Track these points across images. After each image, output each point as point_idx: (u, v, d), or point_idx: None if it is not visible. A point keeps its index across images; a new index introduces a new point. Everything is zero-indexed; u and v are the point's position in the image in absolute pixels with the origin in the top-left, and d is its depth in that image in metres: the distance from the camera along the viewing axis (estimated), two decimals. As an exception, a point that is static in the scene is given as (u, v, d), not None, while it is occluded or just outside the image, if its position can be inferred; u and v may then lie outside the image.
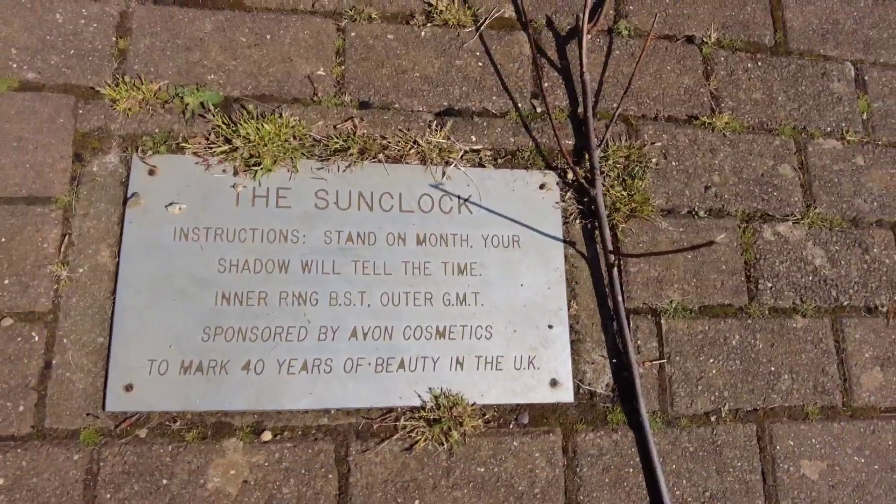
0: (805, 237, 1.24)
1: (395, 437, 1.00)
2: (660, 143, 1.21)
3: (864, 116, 1.36)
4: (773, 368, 1.15)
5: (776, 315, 1.18)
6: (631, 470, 1.05)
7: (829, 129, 1.33)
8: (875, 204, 1.31)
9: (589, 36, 1.22)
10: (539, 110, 1.17)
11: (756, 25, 1.35)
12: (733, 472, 1.09)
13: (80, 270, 0.99)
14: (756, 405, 1.13)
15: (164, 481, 0.93)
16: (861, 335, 1.22)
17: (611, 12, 1.28)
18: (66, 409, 0.94)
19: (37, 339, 0.96)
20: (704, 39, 1.31)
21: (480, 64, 1.19)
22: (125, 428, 0.95)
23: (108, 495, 0.92)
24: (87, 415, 0.95)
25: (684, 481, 1.07)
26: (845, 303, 1.23)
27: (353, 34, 1.16)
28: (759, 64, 1.33)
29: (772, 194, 1.25)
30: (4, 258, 0.97)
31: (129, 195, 1.02)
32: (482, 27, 1.20)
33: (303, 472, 0.96)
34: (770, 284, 1.19)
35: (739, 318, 1.16)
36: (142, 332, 0.97)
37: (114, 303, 0.98)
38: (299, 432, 0.98)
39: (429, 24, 1.19)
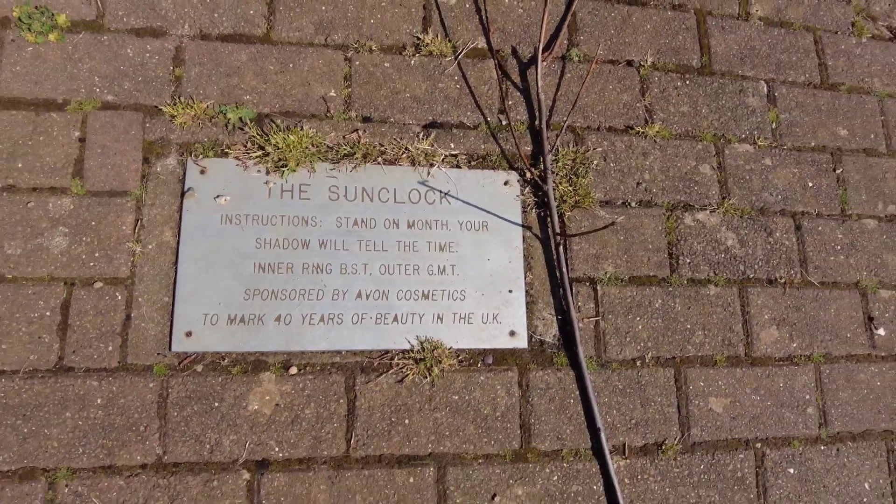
0: (720, 223, 1.56)
1: (390, 372, 1.31)
2: (600, 149, 1.52)
3: (773, 125, 1.67)
4: (688, 326, 1.47)
5: (693, 284, 1.50)
6: (571, 401, 1.37)
7: (743, 135, 1.64)
8: (779, 197, 1.62)
9: (545, 62, 1.53)
10: (504, 123, 1.49)
11: (685, 51, 1.66)
12: (654, 405, 1.41)
13: (150, 247, 1.31)
14: (674, 354, 1.44)
15: (216, 403, 1.25)
16: (762, 301, 1.53)
17: (564, 42, 1.59)
18: (142, 350, 1.26)
19: (119, 298, 1.27)
20: (642, 63, 1.62)
21: (458, 86, 1.50)
22: (186, 364, 1.26)
23: (175, 413, 1.24)
24: (158, 354, 1.26)
25: (614, 411, 1.39)
26: (751, 275, 1.54)
27: (357, 63, 1.47)
28: (687, 83, 1.64)
29: (693, 189, 1.56)
30: (95, 237, 1.28)
31: (185, 189, 1.34)
32: (459, 56, 1.51)
33: (320, 397, 1.28)
34: (689, 260, 1.51)
35: (662, 286, 1.48)
36: (197, 293, 1.28)
37: (176, 271, 1.30)
38: (318, 368, 1.30)
39: (417, 55, 1.50)
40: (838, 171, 1.67)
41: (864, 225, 1.65)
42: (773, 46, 1.72)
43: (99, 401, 1.21)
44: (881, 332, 1.59)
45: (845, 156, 1.69)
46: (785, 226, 1.59)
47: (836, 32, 1.79)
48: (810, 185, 1.64)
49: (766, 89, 1.68)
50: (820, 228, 1.62)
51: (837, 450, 1.48)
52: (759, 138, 1.63)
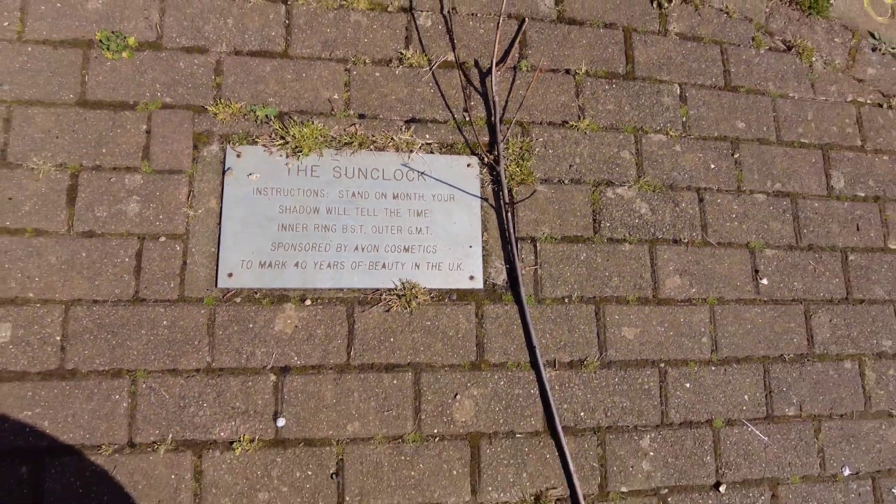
0: (635, 196, 2.01)
1: (379, 305, 1.77)
2: (542, 139, 1.97)
3: (684, 119, 2.12)
4: (607, 274, 1.92)
5: (611, 242, 1.95)
6: (515, 327, 1.82)
7: (658, 127, 2.09)
8: (686, 176, 2.07)
9: (499, 72, 1.98)
10: (467, 119, 1.94)
11: (613, 60, 2.11)
12: (578, 332, 1.86)
13: (200, 211, 1.76)
14: (595, 294, 1.90)
15: (251, 325, 1.71)
16: (668, 256, 1.98)
17: (515, 55, 2.04)
18: (195, 287, 1.71)
19: (178, 248, 1.73)
20: (577, 71, 2.07)
21: (432, 90, 1.95)
22: (228, 297, 1.72)
23: (220, 332, 1.69)
24: (207, 289, 1.72)
25: (547, 336, 1.84)
26: (659, 236, 1.99)
27: (354, 73, 1.92)
28: (614, 86, 2.09)
29: (614, 169, 2.01)
30: (159, 204, 1.74)
31: (225, 169, 1.79)
32: (433, 67, 1.96)
33: (328, 321, 1.73)
34: (608, 224, 1.96)
35: (587, 243, 1.93)
36: (236, 245, 1.74)
37: (219, 229, 1.75)
38: (326, 300, 1.75)
39: (400, 66, 1.95)
40: (736, 156, 2.12)
41: (755, 199, 2.10)
42: (687, 56, 2.16)
43: (164, 322, 1.67)
44: (765, 281, 2.04)
45: (742, 144, 2.14)
46: (690, 198, 2.04)
47: (739, 45, 2.23)
48: (712, 166, 2.09)
49: (679, 91, 2.13)
50: (719, 201, 2.06)
51: (724, 370, 1.94)
52: (671, 130, 2.08)
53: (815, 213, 2.13)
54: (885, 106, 2.29)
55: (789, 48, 2.25)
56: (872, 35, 2.35)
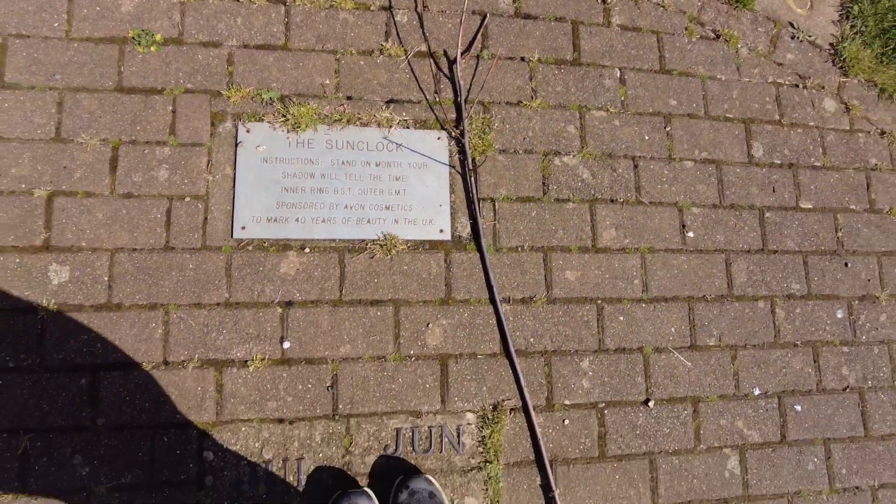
0: (579, 163, 2.40)
1: (365, 252, 2.17)
2: (500, 116, 2.36)
3: (622, 98, 2.51)
4: (553, 227, 2.32)
5: (558, 202, 2.35)
6: (476, 270, 2.22)
7: (600, 105, 2.47)
8: (623, 146, 2.46)
9: (464, 60, 2.36)
10: (437, 100, 2.33)
11: (562, 49, 2.49)
12: (529, 274, 2.26)
13: (217, 176, 2.16)
14: (543, 244, 2.30)
15: (261, 268, 2.11)
16: (605, 213, 2.38)
17: (479, 45, 2.42)
18: (215, 237, 2.11)
19: (200, 207, 2.12)
20: (530, 58, 2.45)
21: (407, 76, 2.34)
22: (242, 246, 2.12)
23: (236, 273, 2.09)
24: (224, 240, 2.12)
25: (503, 278, 2.24)
26: (599, 197, 2.39)
27: (343, 62, 2.31)
28: (562, 71, 2.48)
29: (561, 141, 2.40)
30: (184, 171, 2.13)
31: (238, 142, 2.18)
32: (409, 57, 2.35)
33: (324, 265, 2.14)
34: (555, 187, 2.36)
35: (537, 202, 2.33)
36: (248, 204, 2.13)
37: (234, 191, 2.14)
38: (322, 249, 2.15)
39: (381, 56, 2.34)
40: (668, 129, 2.51)
41: (683, 165, 2.49)
42: (627, 45, 2.55)
43: (191, 266, 2.07)
44: (690, 234, 2.44)
45: (674, 118, 2.53)
46: (626, 165, 2.43)
47: (674, 34, 2.61)
48: (647, 138, 2.48)
49: (619, 74, 2.51)
50: (652, 167, 2.46)
51: (654, 307, 2.34)
52: (611, 107, 2.46)
53: (737, 177, 2.52)
54: (800, 86, 2.68)
55: (718, 36, 2.63)
56: (792, 25, 2.73)
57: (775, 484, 2.29)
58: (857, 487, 2.36)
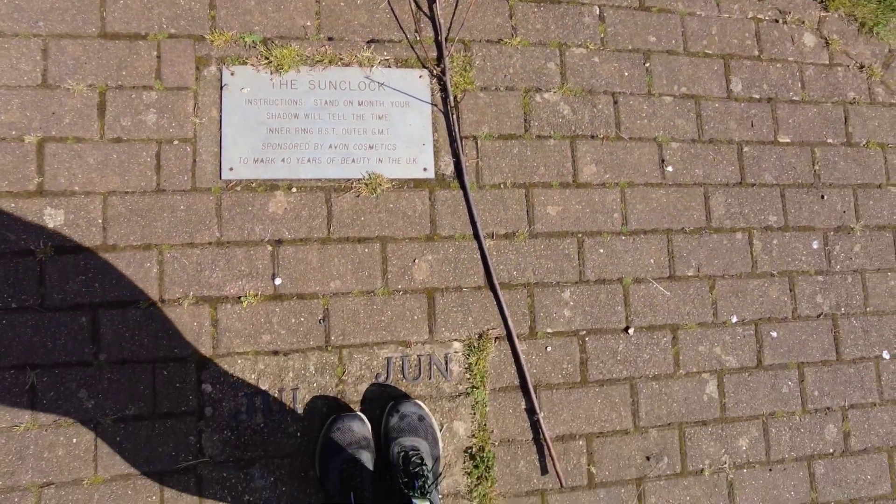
0: (559, 100, 2.45)
1: (351, 191, 2.23)
2: (481, 54, 2.40)
3: (602, 35, 2.53)
4: (535, 164, 2.38)
5: (539, 139, 2.40)
6: (461, 207, 2.29)
7: (579, 42, 2.50)
8: (603, 82, 2.50)
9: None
10: (418, 39, 2.36)
11: (543, -12, 2.51)
12: (511, 210, 2.33)
13: (204, 119, 2.20)
14: (525, 181, 2.36)
15: (250, 208, 2.17)
16: (586, 148, 2.44)
17: (459, -15, 2.44)
18: (204, 179, 2.16)
19: (189, 149, 2.17)
20: (511, -3, 2.47)
21: (388, 16, 2.36)
22: (230, 186, 2.18)
23: (226, 213, 2.15)
24: (213, 181, 2.17)
25: (486, 214, 2.31)
26: (579, 133, 2.44)
27: (323, 3, 2.33)
28: (542, 8, 2.50)
29: (542, 78, 2.44)
30: (171, 114, 2.17)
31: (223, 85, 2.22)
32: (389, -3, 2.36)
33: (311, 205, 2.20)
34: (536, 123, 2.40)
35: (518, 139, 2.38)
36: (234, 145, 2.19)
37: (220, 133, 2.19)
38: (308, 188, 2.21)
39: (361, -4, 2.36)
40: (647, 65, 2.54)
41: (663, 100, 2.54)
42: (606, -18, 2.56)
43: (182, 207, 2.13)
44: (669, 168, 2.50)
45: (653, 55, 2.56)
46: (606, 101, 2.48)
47: (653, -30, 2.62)
48: (626, 74, 2.52)
49: (598, 11, 2.53)
50: (631, 103, 2.50)
51: (633, 239, 2.42)
52: (590, 44, 2.49)
53: (716, 112, 2.56)
54: (780, 21, 2.70)
55: (697, -28, 2.64)
56: (772, -42, 2.74)
57: (751, 406, 2.40)
58: (828, 408, 2.48)
